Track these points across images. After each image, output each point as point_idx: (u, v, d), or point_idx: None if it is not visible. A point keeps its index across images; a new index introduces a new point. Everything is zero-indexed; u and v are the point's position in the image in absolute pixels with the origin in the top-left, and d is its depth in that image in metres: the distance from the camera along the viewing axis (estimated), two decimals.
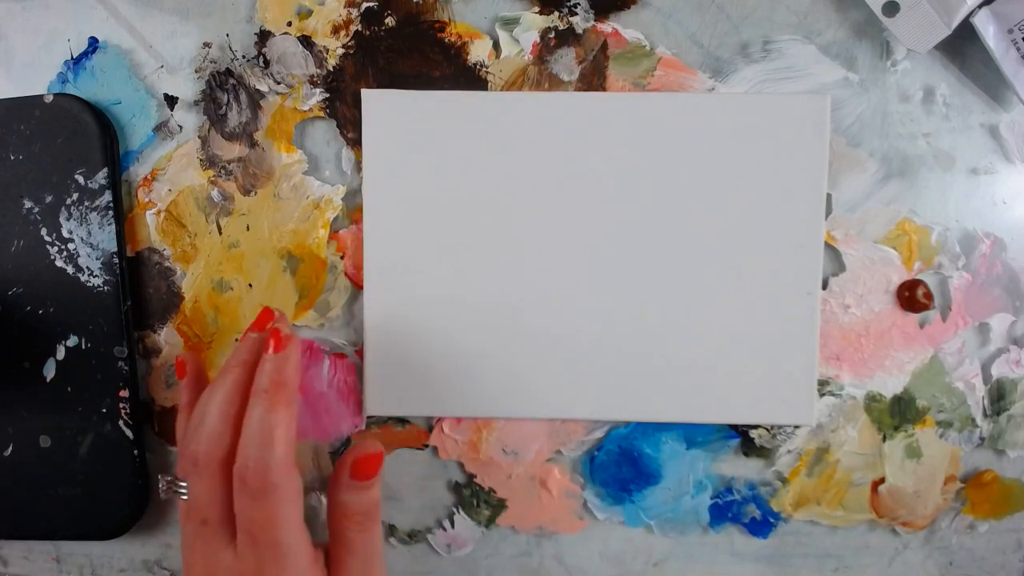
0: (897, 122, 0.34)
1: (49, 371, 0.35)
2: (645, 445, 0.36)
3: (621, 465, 0.36)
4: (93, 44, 0.35)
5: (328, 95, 0.35)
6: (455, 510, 0.37)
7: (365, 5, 0.34)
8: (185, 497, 0.29)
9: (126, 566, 0.38)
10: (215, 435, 0.28)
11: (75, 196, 0.34)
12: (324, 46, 0.34)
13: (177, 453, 0.32)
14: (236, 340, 0.36)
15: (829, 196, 0.34)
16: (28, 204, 0.35)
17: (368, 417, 0.36)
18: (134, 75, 0.35)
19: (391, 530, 0.37)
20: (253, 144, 0.35)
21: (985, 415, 0.35)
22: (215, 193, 0.35)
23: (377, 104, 0.34)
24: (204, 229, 0.35)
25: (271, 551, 0.27)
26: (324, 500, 0.36)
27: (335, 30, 0.34)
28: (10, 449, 0.36)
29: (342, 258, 0.35)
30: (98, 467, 0.35)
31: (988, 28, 0.31)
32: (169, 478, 0.30)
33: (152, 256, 0.36)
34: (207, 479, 0.28)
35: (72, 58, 0.35)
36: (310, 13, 0.34)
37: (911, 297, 0.34)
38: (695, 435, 0.36)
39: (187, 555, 0.29)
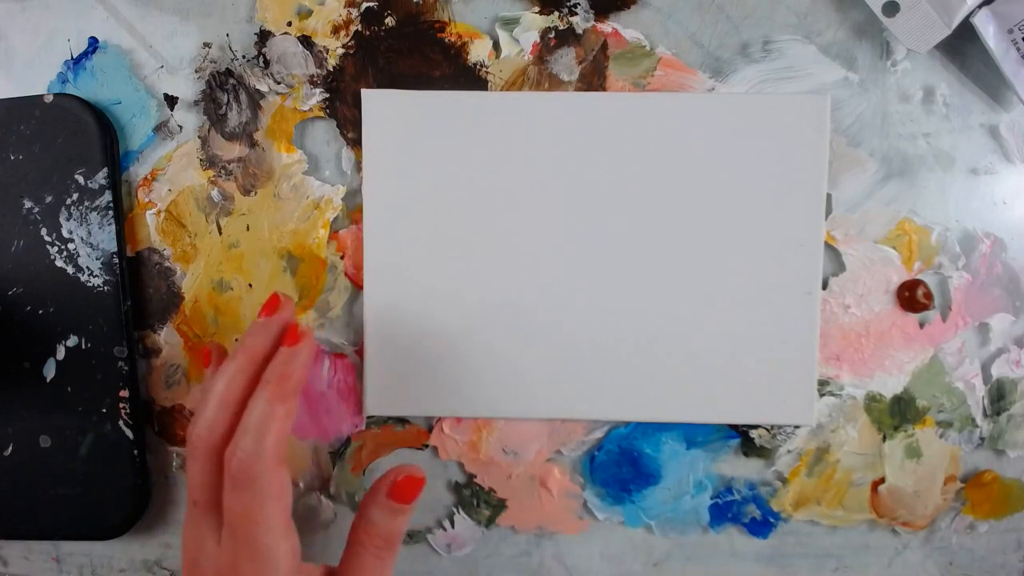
0: (897, 122, 0.34)
1: (49, 371, 0.35)
2: (645, 445, 0.36)
3: (621, 465, 0.36)
4: (93, 44, 0.35)
5: (328, 95, 0.35)
6: (455, 510, 0.37)
7: (365, 5, 0.34)
8: None
9: (126, 566, 0.38)
10: (210, 419, 0.28)
11: (75, 196, 0.34)
12: (324, 46, 0.34)
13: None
14: (236, 340, 0.36)
15: (829, 196, 0.34)
16: (28, 204, 0.35)
17: (368, 417, 0.36)
18: (134, 75, 0.35)
19: None
20: (253, 144, 0.35)
21: (985, 415, 0.35)
22: (215, 193, 0.35)
23: (377, 104, 0.34)
24: (204, 229, 0.35)
25: (247, 548, 0.27)
26: (324, 500, 0.37)
27: (335, 30, 0.34)
28: (10, 449, 0.36)
29: (342, 258, 0.35)
30: (98, 467, 0.35)
31: (988, 28, 0.31)
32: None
33: (152, 256, 0.36)
34: (200, 462, 0.28)
35: (72, 58, 0.35)
36: (310, 13, 0.34)
37: (911, 297, 0.34)
38: (695, 435, 0.36)
39: (183, 535, 0.29)
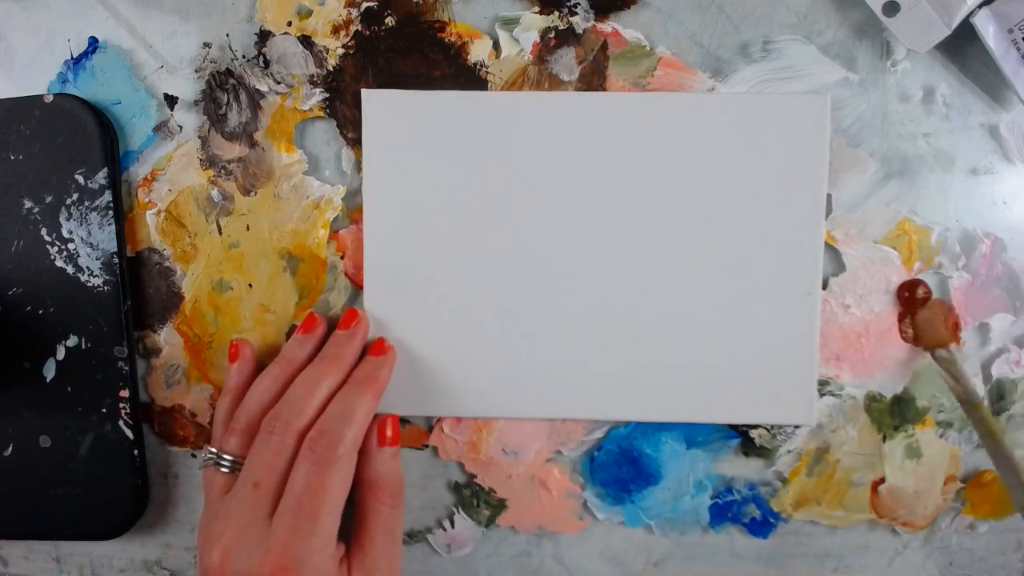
0: (897, 122, 0.34)
1: (49, 371, 0.35)
2: (645, 445, 0.36)
3: (621, 465, 0.36)
4: (93, 44, 0.35)
5: (328, 95, 0.35)
6: (455, 510, 0.37)
7: (365, 5, 0.34)
8: (226, 470, 0.31)
9: (126, 566, 0.38)
10: (299, 409, 0.31)
11: (75, 196, 0.34)
12: (324, 46, 0.34)
13: (215, 430, 0.34)
14: (235, 337, 0.36)
15: (829, 196, 0.34)
16: (28, 204, 0.35)
17: None
18: (134, 75, 0.35)
19: None
20: (253, 144, 0.35)
21: None
22: (215, 193, 0.35)
23: (377, 104, 0.34)
24: (204, 229, 0.35)
25: (308, 522, 0.29)
26: None
27: (335, 30, 0.34)
28: (10, 449, 0.36)
29: (342, 258, 0.35)
30: (98, 467, 0.35)
31: (988, 28, 0.31)
32: (214, 450, 0.32)
33: (152, 256, 0.36)
34: (277, 444, 0.30)
35: (72, 58, 0.35)
36: (310, 13, 0.34)
37: (911, 297, 0.34)
38: (695, 435, 0.36)
39: (219, 523, 0.30)
